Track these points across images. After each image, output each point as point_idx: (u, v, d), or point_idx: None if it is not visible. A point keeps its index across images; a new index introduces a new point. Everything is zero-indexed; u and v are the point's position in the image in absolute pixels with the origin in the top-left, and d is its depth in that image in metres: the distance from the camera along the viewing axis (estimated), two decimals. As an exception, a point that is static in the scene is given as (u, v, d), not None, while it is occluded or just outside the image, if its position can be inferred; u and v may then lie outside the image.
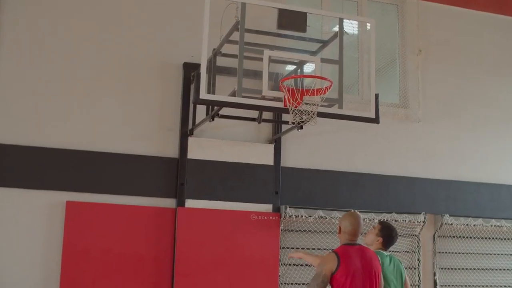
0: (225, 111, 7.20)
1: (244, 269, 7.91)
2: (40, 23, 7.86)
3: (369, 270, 5.31)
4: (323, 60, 6.83)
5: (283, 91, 6.23)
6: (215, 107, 7.12)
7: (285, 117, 8.01)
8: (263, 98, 6.53)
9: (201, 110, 7.78)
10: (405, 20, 9.42)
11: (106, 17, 8.11)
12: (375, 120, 6.82)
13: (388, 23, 9.55)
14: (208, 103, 6.93)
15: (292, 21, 6.62)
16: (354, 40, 9.06)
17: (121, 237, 7.66)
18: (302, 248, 8.15)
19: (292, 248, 8.13)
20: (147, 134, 8.02)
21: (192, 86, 7.86)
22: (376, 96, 6.88)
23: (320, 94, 6.26)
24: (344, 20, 6.96)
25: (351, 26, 8.91)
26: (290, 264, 8.11)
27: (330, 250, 5.49)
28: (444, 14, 9.64)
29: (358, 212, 5.67)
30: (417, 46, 9.27)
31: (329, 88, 6.21)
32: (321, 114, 6.52)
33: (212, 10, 6.41)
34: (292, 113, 6.25)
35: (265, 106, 6.51)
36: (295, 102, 6.16)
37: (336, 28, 6.96)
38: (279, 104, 6.43)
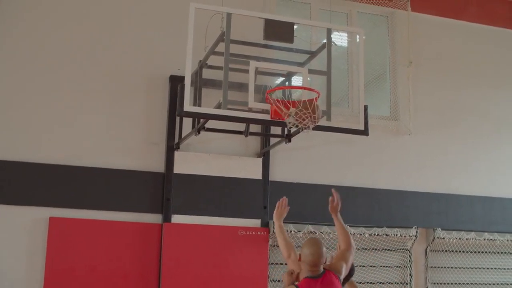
0: (211, 124, 7.07)
1: (231, 285, 7.75)
2: (26, 38, 7.75)
3: None
4: (311, 71, 6.73)
5: (270, 103, 6.09)
6: (201, 120, 6.97)
7: (273, 130, 7.91)
8: (250, 110, 6.41)
9: (187, 123, 7.65)
10: (396, 32, 9.34)
11: (92, 31, 8.01)
12: (365, 132, 6.72)
13: (379, 35, 9.47)
14: (192, 116, 6.80)
15: (279, 31, 6.51)
16: (343, 51, 8.98)
17: (105, 253, 7.50)
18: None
19: (281, 264, 7.95)
20: (132, 148, 7.89)
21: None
22: (365, 107, 6.77)
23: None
24: (333, 31, 6.86)
25: (340, 38, 8.85)
26: (278, 280, 7.94)
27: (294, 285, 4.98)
28: (435, 26, 9.58)
29: (319, 239, 5.20)
30: (408, 58, 9.18)
31: (317, 99, 6.07)
32: (308, 126, 6.38)
33: (198, 22, 6.31)
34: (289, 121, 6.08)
35: (251, 118, 6.39)
36: (288, 111, 6.00)
37: (325, 39, 6.85)
38: (266, 117, 6.29)
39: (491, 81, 9.76)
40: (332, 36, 6.85)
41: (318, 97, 6.10)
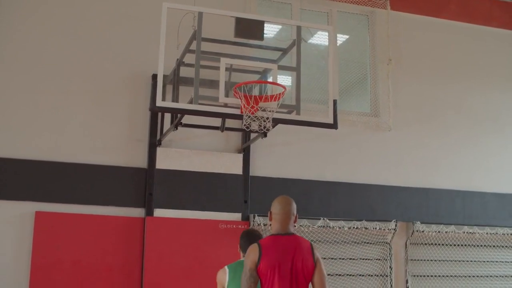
0: (190, 120, 7.28)
1: (213, 278, 7.88)
2: (9, 36, 7.96)
3: (299, 263, 4.63)
4: (280, 67, 6.92)
5: (237, 97, 6.32)
6: (179, 116, 7.20)
7: (253, 126, 8.09)
8: (226, 106, 6.63)
9: (169, 120, 7.85)
10: (376, 30, 9.52)
11: (75, 29, 8.21)
12: (334, 125, 6.88)
13: (359, 33, 9.65)
14: (163, 110, 7.04)
15: (249, 29, 6.72)
16: (324, 49, 9.16)
17: (90, 247, 7.70)
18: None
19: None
20: (116, 145, 8.10)
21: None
22: (334, 101, 6.94)
23: (275, 100, 6.34)
24: (307, 29, 7.05)
25: (321, 36, 9.04)
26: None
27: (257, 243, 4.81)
28: (414, 24, 9.75)
29: (289, 197, 4.92)
30: (388, 56, 9.35)
31: (283, 94, 6.29)
32: (278, 120, 6.62)
33: (175, 21, 6.51)
34: (249, 118, 6.33)
35: (220, 113, 6.61)
36: (251, 108, 6.25)
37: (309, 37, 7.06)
38: (236, 111, 6.51)
39: (470, 77, 9.90)
40: (314, 35, 7.02)
41: (284, 92, 6.30)
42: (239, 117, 6.55)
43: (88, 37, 8.25)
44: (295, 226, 4.93)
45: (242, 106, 6.31)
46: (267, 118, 6.32)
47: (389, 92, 9.26)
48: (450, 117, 9.63)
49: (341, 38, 9.56)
